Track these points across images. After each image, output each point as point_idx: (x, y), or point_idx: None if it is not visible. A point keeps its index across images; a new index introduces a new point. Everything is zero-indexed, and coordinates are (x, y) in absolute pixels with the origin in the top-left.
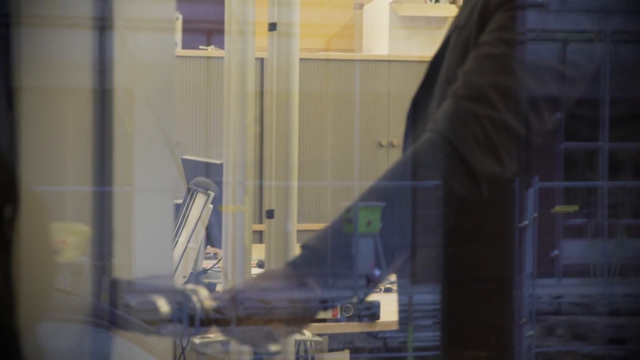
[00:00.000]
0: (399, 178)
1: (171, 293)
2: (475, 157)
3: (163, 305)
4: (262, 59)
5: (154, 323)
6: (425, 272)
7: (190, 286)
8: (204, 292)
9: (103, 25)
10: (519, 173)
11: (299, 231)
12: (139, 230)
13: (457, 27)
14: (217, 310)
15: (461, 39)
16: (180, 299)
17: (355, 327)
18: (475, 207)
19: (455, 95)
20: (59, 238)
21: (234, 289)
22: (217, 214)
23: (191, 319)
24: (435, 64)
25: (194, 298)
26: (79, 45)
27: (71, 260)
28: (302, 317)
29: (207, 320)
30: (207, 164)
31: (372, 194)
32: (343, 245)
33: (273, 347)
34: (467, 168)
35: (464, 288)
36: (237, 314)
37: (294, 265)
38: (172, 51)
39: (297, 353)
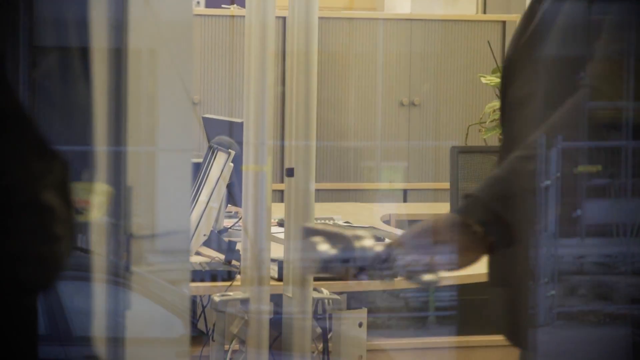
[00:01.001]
0: (561, 131)
1: (338, 238)
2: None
3: (327, 249)
4: (284, 18)
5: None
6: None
7: (358, 232)
8: (370, 239)
9: None
10: None
11: (319, 190)
12: (161, 189)
13: None
14: (383, 255)
15: None
16: (347, 244)
17: (373, 286)
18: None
19: (606, 49)
20: (82, 198)
21: (400, 237)
22: (238, 173)
23: (357, 263)
24: (533, 8)
25: (359, 244)
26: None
27: (94, 220)
28: (466, 260)
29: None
30: (230, 123)
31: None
32: (504, 194)
33: (430, 277)
34: (620, 119)
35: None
36: (402, 261)
37: (459, 212)
38: (191, 10)
39: (316, 311)
